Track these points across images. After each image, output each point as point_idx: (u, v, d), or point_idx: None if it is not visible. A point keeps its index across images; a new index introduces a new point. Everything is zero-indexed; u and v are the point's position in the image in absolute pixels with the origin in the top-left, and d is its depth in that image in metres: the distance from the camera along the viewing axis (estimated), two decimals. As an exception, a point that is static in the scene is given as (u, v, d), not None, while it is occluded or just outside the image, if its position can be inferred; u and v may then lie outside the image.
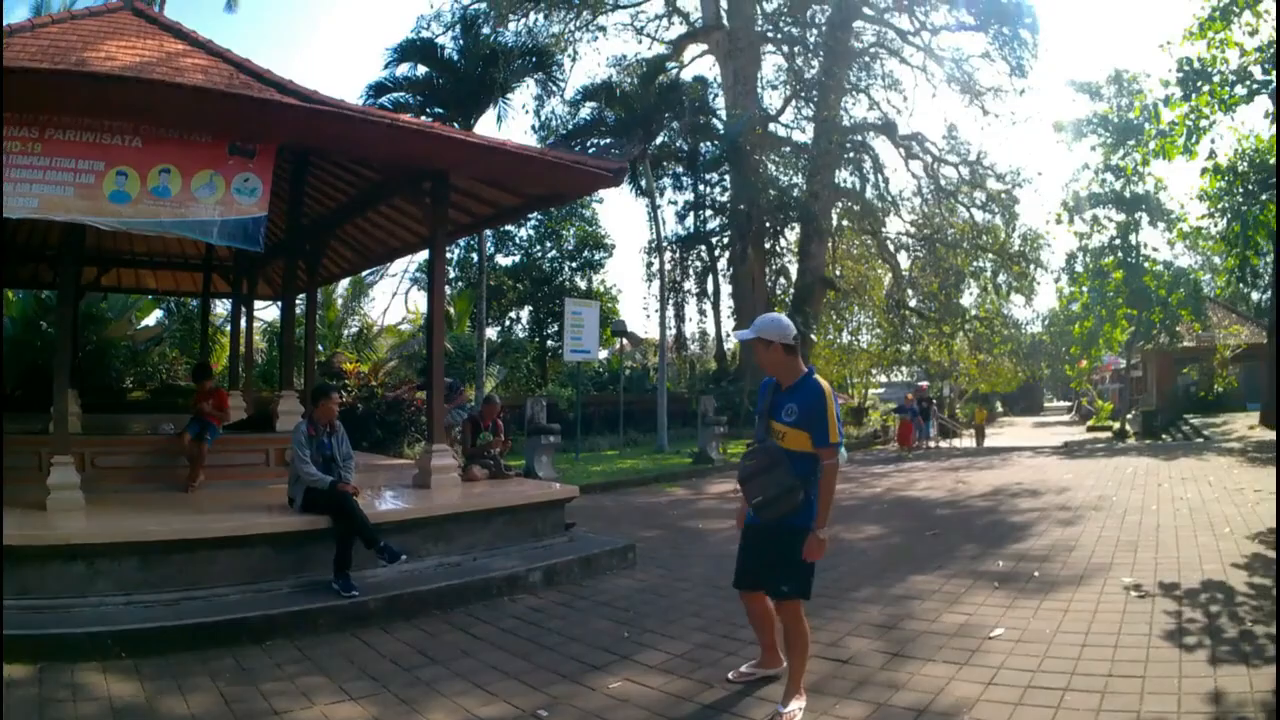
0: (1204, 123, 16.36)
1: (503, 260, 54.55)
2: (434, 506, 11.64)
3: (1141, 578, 10.16)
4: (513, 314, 55.35)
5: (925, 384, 50.88)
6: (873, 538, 14.34)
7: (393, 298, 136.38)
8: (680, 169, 50.45)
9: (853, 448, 37.20)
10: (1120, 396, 53.65)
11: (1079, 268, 42.52)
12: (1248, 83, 16.17)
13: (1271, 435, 30.72)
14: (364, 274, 38.51)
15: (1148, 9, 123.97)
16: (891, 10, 49.74)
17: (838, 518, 16.03)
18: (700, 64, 53.43)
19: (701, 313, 53.39)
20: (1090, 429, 55.66)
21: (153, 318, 36.97)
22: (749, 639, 7.79)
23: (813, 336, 48.39)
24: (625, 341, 53.16)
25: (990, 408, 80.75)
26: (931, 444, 39.94)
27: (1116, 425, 45.66)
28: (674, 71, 49.04)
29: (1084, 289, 42.14)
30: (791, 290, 50.88)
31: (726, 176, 49.06)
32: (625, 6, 51.45)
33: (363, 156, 13.15)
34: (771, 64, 52.97)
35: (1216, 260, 52.40)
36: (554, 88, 42.24)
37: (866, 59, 51.79)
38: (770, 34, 50.24)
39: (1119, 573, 10.50)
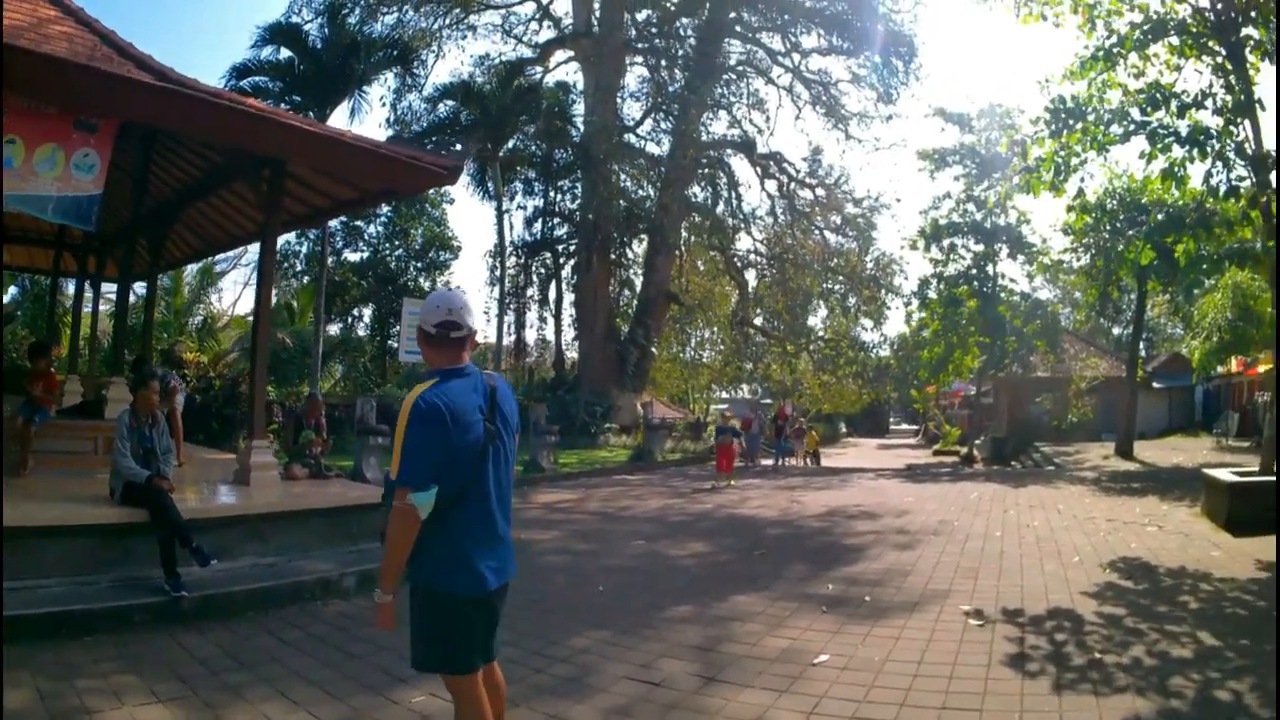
0: (1074, 160, 15.98)
1: (351, 256, 54.38)
2: (251, 505, 11.34)
3: (982, 604, 9.85)
4: (356, 311, 55.28)
5: (788, 405, 50.94)
6: (698, 555, 13.95)
7: (244, 288, 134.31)
8: (534, 174, 50.39)
9: (689, 462, 36.92)
10: (969, 422, 53.98)
11: (932, 294, 42.25)
12: (1124, 123, 15.89)
13: (1125, 466, 31.05)
14: (216, 264, 37.88)
15: (1037, 50, 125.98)
16: (764, 30, 50.27)
17: (663, 533, 16.02)
18: (567, 71, 53.91)
19: (542, 320, 53.81)
20: (937, 453, 55.12)
21: (9, 295, 36.07)
22: (559, 655, 7.84)
23: (653, 350, 49.13)
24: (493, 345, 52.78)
25: (834, 429, 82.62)
26: (784, 461, 39.74)
27: (964, 450, 45.48)
28: (537, 76, 49.03)
29: (935, 315, 41.88)
30: (635, 302, 51.50)
31: (580, 184, 49.18)
32: (497, 7, 51.26)
33: (206, 138, 12.77)
34: (636, 75, 53.17)
35: (1078, 295, 53.13)
36: (414, 83, 42.89)
37: (733, 77, 52.33)
38: (638, 45, 50.36)
39: (958, 599, 10.18)
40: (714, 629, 8.93)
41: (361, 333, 55.77)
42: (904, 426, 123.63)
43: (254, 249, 30.04)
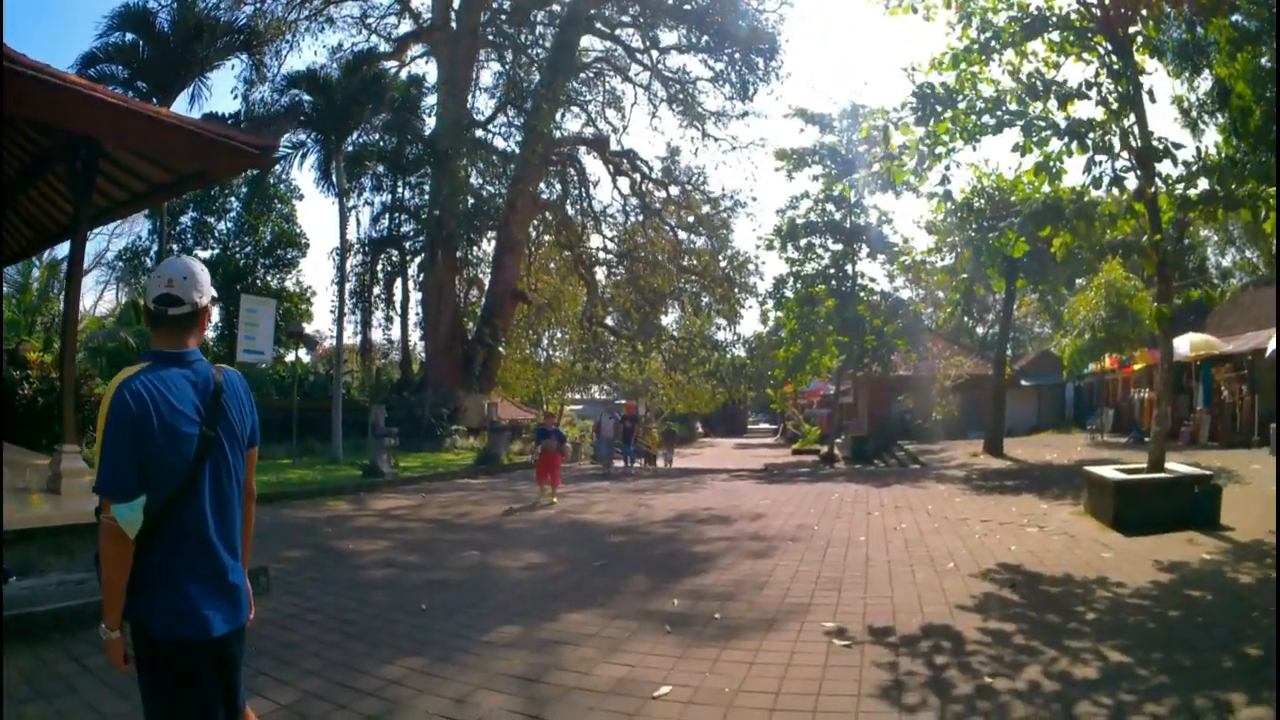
0: (939, 149, 15.14)
1: (202, 254, 52.30)
2: (58, 515, 10.43)
3: (848, 621, 9.02)
4: None
5: (633, 403, 50.58)
6: (533, 567, 13.16)
7: (104, 287, 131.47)
8: (383, 169, 50.09)
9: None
10: (829, 421, 54.09)
11: (789, 293, 42.08)
12: (999, 113, 15.13)
13: (996, 464, 30.91)
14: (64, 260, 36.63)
15: (904, 52, 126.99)
16: (623, 26, 50.45)
17: (499, 543, 15.44)
18: (422, 66, 53.18)
19: (388, 320, 53.38)
20: (796, 452, 55.52)
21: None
22: (366, 688, 7.06)
23: (501, 349, 48.70)
24: (323, 345, 51.94)
25: (690, 428, 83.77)
26: (638, 464, 39.54)
27: (825, 449, 45.46)
28: (393, 70, 48.61)
29: (791, 315, 41.78)
30: (483, 301, 51.04)
31: (429, 180, 48.93)
32: (357, -1, 49.54)
33: (28, 116, 11.45)
34: (492, 70, 53.87)
35: (941, 294, 53.41)
36: (265, 74, 41.86)
37: (590, 75, 52.56)
38: (495, 39, 50.08)
39: (820, 615, 9.34)
40: (542, 654, 8.07)
41: (210, 334, 53.47)
42: (763, 426, 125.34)
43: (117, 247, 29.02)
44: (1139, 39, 16.13)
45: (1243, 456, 24.79)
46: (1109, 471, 15.69)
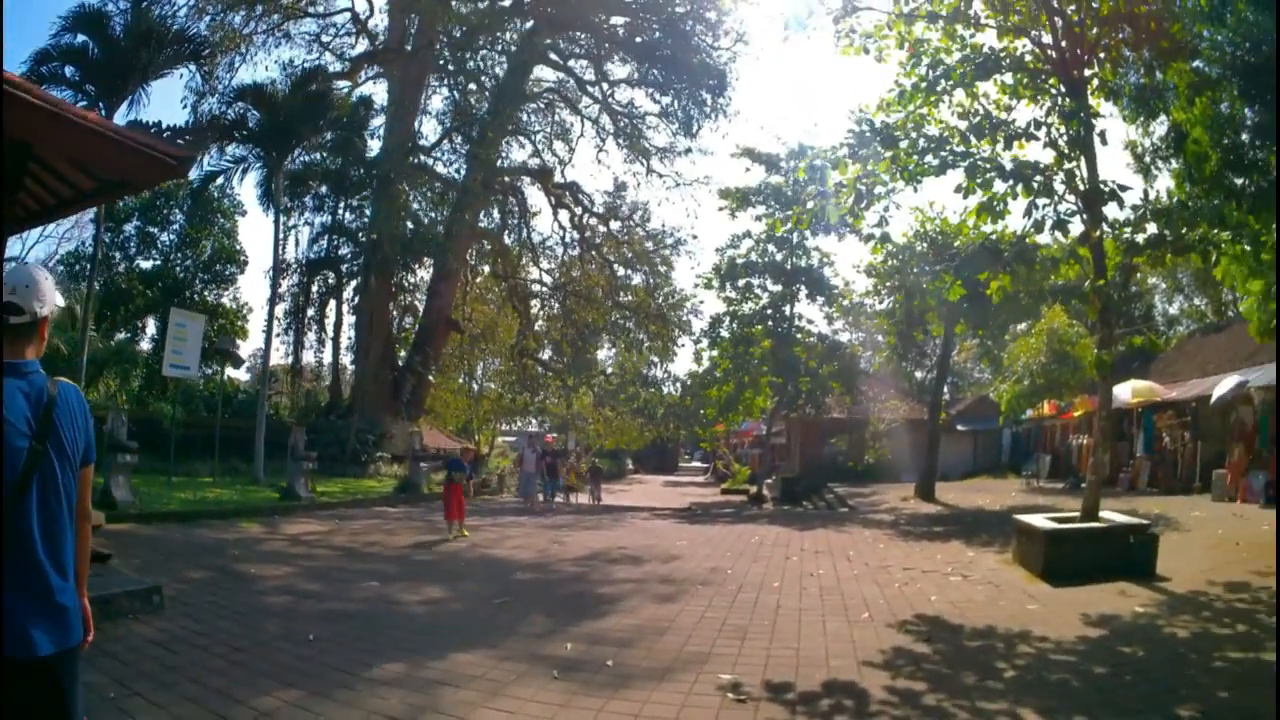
0: (879, 189, 14.92)
1: (144, 264, 53.10)
2: None
3: (746, 675, 8.54)
4: (140, 321, 53.70)
5: (552, 436, 50.64)
6: (432, 601, 12.93)
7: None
8: (325, 189, 49.94)
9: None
10: (760, 461, 54.11)
11: (724, 333, 42.85)
12: (943, 153, 14.89)
13: (927, 509, 30.64)
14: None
15: (856, 94, 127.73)
16: (576, 57, 50.99)
17: (403, 574, 15.28)
18: (374, 88, 54.92)
19: (320, 342, 53.10)
20: (725, 491, 55.33)
21: None
22: (240, 718, 6.90)
23: (430, 378, 48.76)
24: (271, 366, 51.62)
25: (620, 464, 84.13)
26: (559, 499, 39.44)
27: (754, 489, 45.48)
28: (344, 90, 48.86)
29: (726, 354, 42.58)
30: (416, 328, 51.02)
31: (371, 203, 48.61)
32: (315, 15, 49.81)
33: None
34: (442, 96, 53.27)
35: (879, 338, 53.69)
36: (215, 84, 41.85)
37: (541, 105, 52.92)
38: (449, 66, 49.81)
39: (717, 666, 8.92)
40: (421, 695, 7.78)
41: (146, 345, 53.49)
42: (695, 464, 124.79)
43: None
44: (1094, 81, 16.31)
45: (1183, 503, 24.56)
46: (1039, 520, 15.45)
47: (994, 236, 20.51)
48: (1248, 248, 15.05)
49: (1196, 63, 15.38)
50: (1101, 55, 16.30)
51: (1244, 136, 14.96)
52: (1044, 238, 16.16)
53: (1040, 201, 14.76)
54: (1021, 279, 19.33)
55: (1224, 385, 26.86)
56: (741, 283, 42.12)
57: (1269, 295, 15.68)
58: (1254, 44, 13.83)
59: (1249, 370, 27.90)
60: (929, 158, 15.07)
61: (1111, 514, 16.11)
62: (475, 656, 9.16)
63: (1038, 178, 14.79)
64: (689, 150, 52.20)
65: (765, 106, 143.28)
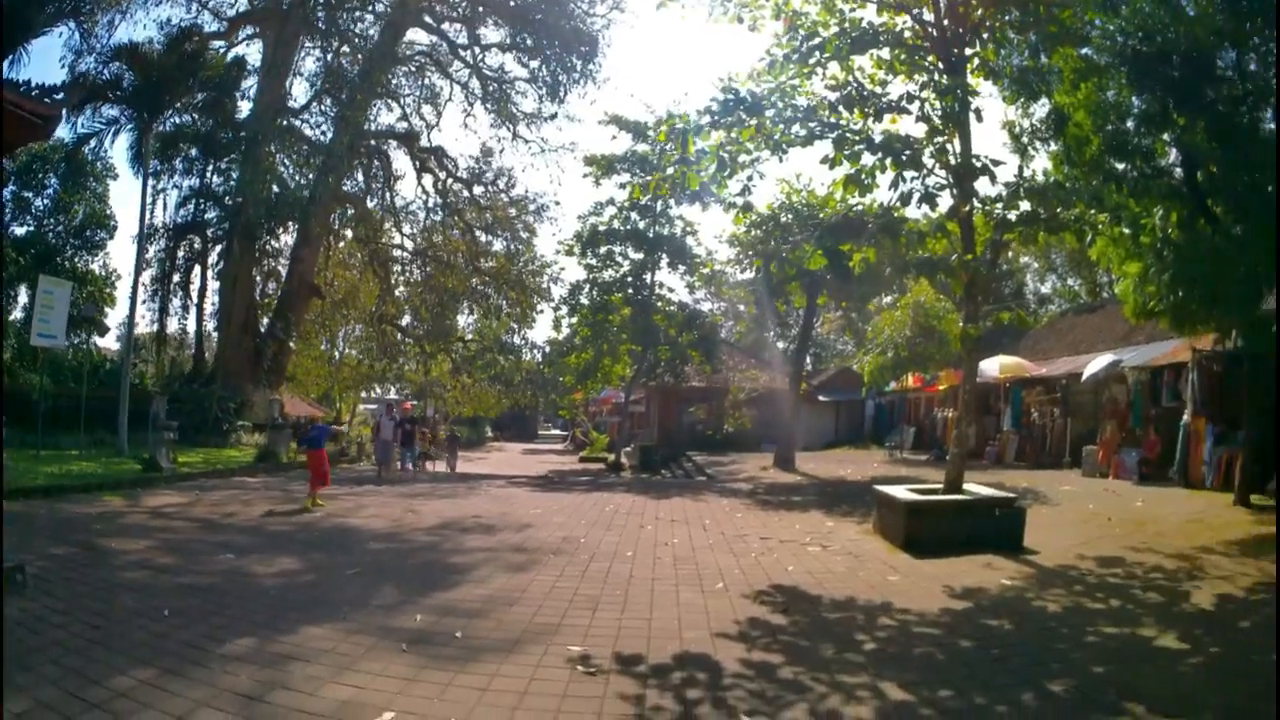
0: (742, 157, 14.89)
1: (17, 230, 51.85)
2: None
3: (595, 647, 8.76)
4: (11, 291, 52.10)
5: (410, 403, 50.46)
6: (284, 573, 12.88)
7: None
8: (195, 152, 48.70)
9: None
10: (619, 429, 54.36)
11: (584, 300, 42.97)
12: (811, 124, 14.93)
13: (786, 478, 31.19)
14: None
15: (727, 65, 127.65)
16: (449, 19, 50.90)
17: (258, 546, 15.29)
18: (249, 49, 52.33)
19: (185, 309, 51.92)
20: (583, 459, 55.73)
21: None
22: (95, 699, 6.89)
23: (291, 344, 48.56)
24: (137, 334, 50.63)
25: (479, 432, 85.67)
26: (413, 467, 39.46)
27: (612, 458, 46.21)
28: (221, 50, 48.08)
29: (586, 322, 42.91)
30: (279, 294, 50.36)
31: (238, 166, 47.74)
32: (196, -30, 48.64)
33: None
34: (315, 58, 52.65)
35: (742, 307, 53.74)
36: (94, 43, 40.65)
37: (413, 68, 53.00)
38: (322, 26, 49.45)
39: (567, 638, 9.15)
40: (271, 670, 7.86)
41: (18, 315, 51.89)
42: (555, 432, 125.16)
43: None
44: (975, 61, 16.64)
45: (1052, 477, 25.31)
46: (900, 490, 15.78)
47: (860, 209, 20.56)
48: (1126, 230, 15.69)
49: (1085, 50, 15.68)
50: (985, 36, 16.59)
51: (1129, 124, 15.30)
52: (911, 211, 16.22)
53: (908, 175, 14.90)
54: (886, 251, 19.46)
55: (1097, 364, 27.49)
56: (603, 250, 42.30)
57: (1146, 277, 16.02)
58: (1147, 34, 14.10)
59: (1123, 350, 28.82)
60: (796, 128, 15.06)
61: (977, 486, 16.45)
62: (325, 630, 9.23)
63: (906, 151, 14.93)
64: (554, 116, 52.81)
65: (638, 75, 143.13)
